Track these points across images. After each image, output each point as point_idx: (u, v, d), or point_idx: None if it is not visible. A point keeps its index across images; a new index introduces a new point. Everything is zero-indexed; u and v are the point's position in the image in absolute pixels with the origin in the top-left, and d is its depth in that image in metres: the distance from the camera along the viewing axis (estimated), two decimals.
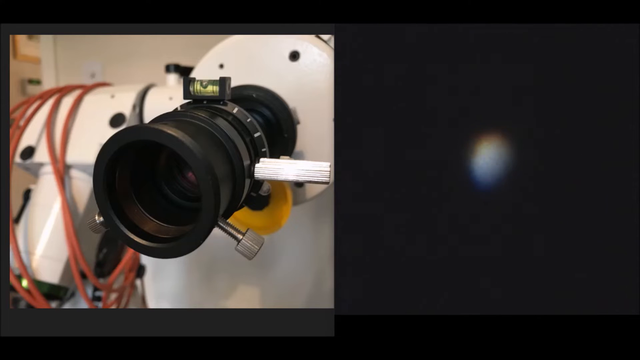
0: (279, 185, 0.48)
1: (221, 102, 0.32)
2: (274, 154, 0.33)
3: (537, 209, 0.36)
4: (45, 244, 0.53)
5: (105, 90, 0.60)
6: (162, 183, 0.30)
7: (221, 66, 0.49)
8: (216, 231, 0.26)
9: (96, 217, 0.27)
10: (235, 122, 0.31)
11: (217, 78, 0.31)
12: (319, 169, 0.28)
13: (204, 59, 0.50)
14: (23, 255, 0.52)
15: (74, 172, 0.55)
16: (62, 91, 0.59)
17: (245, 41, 0.48)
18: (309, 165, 0.28)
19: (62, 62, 1.07)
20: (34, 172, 0.58)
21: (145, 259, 0.74)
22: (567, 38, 0.35)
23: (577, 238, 0.36)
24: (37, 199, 0.55)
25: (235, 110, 0.32)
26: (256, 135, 0.32)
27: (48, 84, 1.07)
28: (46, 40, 1.06)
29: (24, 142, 0.56)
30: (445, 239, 0.37)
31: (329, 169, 0.28)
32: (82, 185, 0.56)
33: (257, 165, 0.29)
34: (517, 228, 0.36)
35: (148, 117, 0.57)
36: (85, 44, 1.04)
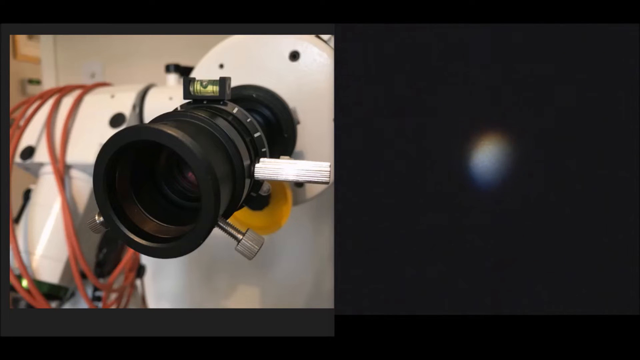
0: (279, 185, 0.48)
1: (221, 102, 0.32)
2: (274, 154, 0.33)
3: (537, 208, 0.36)
4: (45, 244, 0.53)
5: (105, 90, 0.60)
6: (162, 183, 0.30)
7: (221, 66, 0.49)
8: (216, 231, 0.26)
9: (96, 217, 0.27)
10: (235, 122, 0.31)
11: (217, 78, 0.31)
12: (319, 169, 0.28)
13: (204, 59, 0.50)
14: (23, 255, 0.52)
15: (74, 172, 0.55)
16: (62, 91, 0.59)
17: (245, 41, 0.48)
18: (309, 165, 0.28)
19: (62, 62, 1.07)
20: (34, 172, 0.58)
21: (145, 259, 0.74)
22: (567, 38, 0.35)
23: (577, 238, 0.36)
24: (37, 199, 0.55)
25: (235, 110, 0.32)
26: (256, 135, 0.32)
27: (48, 84, 1.07)
28: (46, 40, 1.06)
29: (24, 142, 0.56)
30: (445, 240, 0.37)
31: (329, 169, 0.28)
32: (82, 185, 0.56)
33: (257, 165, 0.29)
34: (516, 228, 0.36)
35: (148, 117, 0.57)
36: (85, 44, 1.04)
